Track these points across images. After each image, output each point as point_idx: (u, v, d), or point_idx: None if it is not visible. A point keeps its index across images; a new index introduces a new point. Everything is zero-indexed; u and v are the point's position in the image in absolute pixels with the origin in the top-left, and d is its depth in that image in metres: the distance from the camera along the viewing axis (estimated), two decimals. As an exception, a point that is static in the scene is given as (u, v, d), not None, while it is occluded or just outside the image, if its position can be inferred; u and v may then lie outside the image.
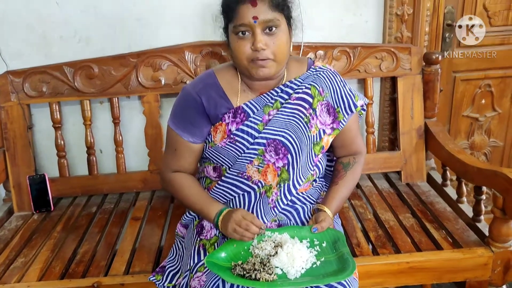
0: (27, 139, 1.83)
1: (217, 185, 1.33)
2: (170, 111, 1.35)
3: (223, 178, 1.32)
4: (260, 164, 1.27)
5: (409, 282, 1.47)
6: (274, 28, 1.18)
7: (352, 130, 1.39)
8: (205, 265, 1.19)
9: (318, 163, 1.37)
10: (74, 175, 1.93)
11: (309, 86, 1.31)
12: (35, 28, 1.81)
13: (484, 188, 1.57)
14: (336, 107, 1.34)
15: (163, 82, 1.81)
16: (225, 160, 1.31)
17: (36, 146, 1.95)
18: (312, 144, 1.30)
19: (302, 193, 1.35)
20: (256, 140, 1.27)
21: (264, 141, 1.26)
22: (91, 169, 1.89)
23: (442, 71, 1.89)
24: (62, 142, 1.88)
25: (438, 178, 1.89)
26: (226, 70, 1.33)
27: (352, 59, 1.84)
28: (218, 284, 1.12)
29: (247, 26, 1.17)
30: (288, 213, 1.33)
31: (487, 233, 1.49)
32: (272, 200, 1.28)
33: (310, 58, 1.43)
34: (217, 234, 1.30)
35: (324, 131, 1.33)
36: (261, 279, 1.09)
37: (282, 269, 1.14)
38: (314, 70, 1.34)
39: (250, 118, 1.28)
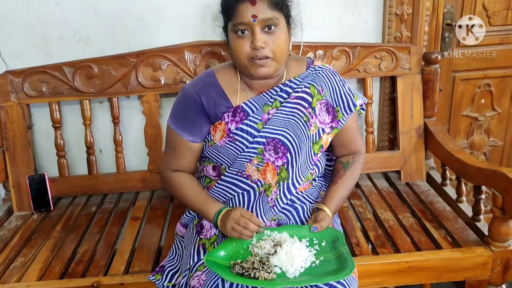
0: (27, 139, 1.83)
1: (216, 184, 1.34)
2: (169, 111, 1.35)
3: (222, 177, 1.32)
4: (259, 163, 1.27)
5: (409, 282, 1.47)
6: (273, 27, 1.19)
7: (351, 129, 1.40)
8: (204, 264, 1.19)
9: (317, 162, 1.37)
10: (73, 175, 1.93)
11: (308, 85, 1.31)
12: (34, 28, 1.82)
13: (484, 188, 1.57)
14: (335, 106, 1.35)
15: (162, 82, 1.81)
16: (225, 159, 1.31)
17: (36, 146, 1.95)
18: (311, 143, 1.31)
19: (301, 192, 1.36)
20: (256, 139, 1.27)
21: (264, 140, 1.26)
22: (91, 169, 1.89)
23: (441, 70, 1.89)
24: (62, 142, 1.88)
25: (437, 177, 1.89)
26: (226, 70, 1.33)
27: (351, 58, 1.84)
28: (218, 283, 1.12)
29: (246, 25, 1.17)
30: (288, 212, 1.33)
31: (486, 233, 1.49)
32: (271, 199, 1.28)
33: (310, 58, 1.44)
34: (216, 233, 1.30)
35: (323, 130, 1.33)
36: (260, 278, 1.09)
37: (281, 268, 1.14)
38: (314, 69, 1.34)
39: (249, 117, 1.28)
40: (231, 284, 1.11)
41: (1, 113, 1.80)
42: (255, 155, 1.27)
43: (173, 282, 1.32)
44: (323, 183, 1.45)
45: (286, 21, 1.24)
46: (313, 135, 1.31)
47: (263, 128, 1.27)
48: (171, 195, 1.87)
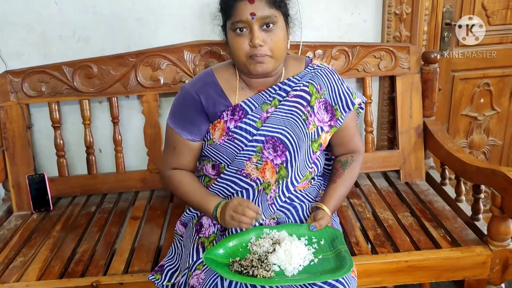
0: (26, 139, 1.83)
1: (215, 183, 1.34)
2: (169, 111, 1.36)
3: (221, 175, 1.33)
4: (258, 161, 1.28)
5: (408, 281, 1.47)
6: (271, 25, 1.20)
7: (350, 128, 1.40)
8: (204, 263, 1.20)
9: (316, 160, 1.37)
10: (73, 175, 1.93)
11: (307, 84, 1.32)
12: (34, 28, 1.82)
13: (483, 187, 1.57)
14: (333, 104, 1.35)
15: (162, 81, 1.81)
16: (224, 158, 1.32)
17: (35, 146, 1.95)
18: (310, 142, 1.31)
19: (300, 191, 1.36)
20: (255, 137, 1.27)
21: (263, 138, 1.27)
22: (90, 169, 1.90)
23: (440, 70, 1.89)
24: (61, 142, 1.88)
25: (437, 177, 1.89)
26: (225, 69, 1.34)
27: (350, 58, 1.84)
28: (217, 282, 1.13)
29: (245, 23, 1.18)
30: (287, 211, 1.33)
31: (485, 232, 1.49)
32: (270, 197, 1.28)
33: (308, 57, 1.44)
34: (215, 232, 1.31)
35: (322, 129, 1.34)
36: (258, 275, 1.10)
37: (279, 266, 1.14)
38: (312, 68, 1.35)
39: (248, 116, 1.29)
40: (230, 282, 1.12)
41: (0, 113, 1.80)
42: (254, 154, 1.28)
43: (172, 281, 1.32)
44: (322, 182, 1.46)
45: (285, 19, 1.25)
46: (311, 133, 1.31)
47: (262, 126, 1.28)
48: (170, 194, 1.88)
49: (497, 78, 2.10)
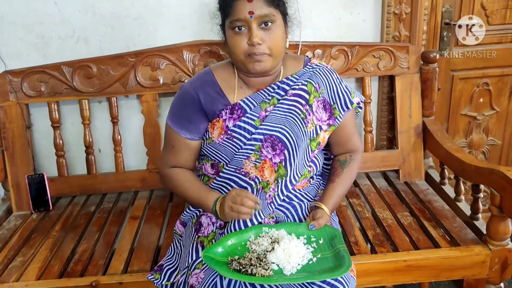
0: (26, 139, 1.83)
1: (214, 181, 1.35)
2: (168, 110, 1.36)
3: (220, 174, 1.33)
4: (257, 160, 1.28)
5: (407, 280, 1.47)
6: (269, 23, 1.20)
7: (348, 127, 1.41)
8: (203, 262, 1.20)
9: (314, 159, 1.37)
10: (72, 175, 1.94)
11: (306, 83, 1.32)
12: (33, 28, 1.82)
13: (482, 187, 1.57)
14: (332, 103, 1.35)
15: (161, 81, 1.82)
16: (223, 157, 1.32)
17: (35, 146, 1.95)
18: (308, 140, 1.32)
19: (299, 190, 1.36)
20: (253, 136, 1.28)
21: (261, 136, 1.27)
22: (90, 169, 1.90)
23: (440, 69, 1.90)
24: (61, 142, 1.88)
25: (436, 176, 1.89)
26: (224, 68, 1.35)
27: (350, 58, 1.84)
28: (216, 281, 1.13)
29: (243, 21, 1.19)
30: (286, 210, 1.33)
31: (484, 231, 1.49)
32: (269, 195, 1.29)
33: (307, 56, 1.44)
34: (214, 230, 1.31)
35: (320, 127, 1.34)
36: (257, 274, 1.10)
37: (278, 265, 1.14)
38: (311, 67, 1.36)
39: (247, 114, 1.29)
40: (229, 281, 1.12)
41: (0, 113, 1.80)
42: (252, 152, 1.28)
43: (171, 280, 1.32)
44: (321, 181, 1.46)
45: (283, 18, 1.25)
46: (310, 132, 1.32)
47: (260, 125, 1.28)
48: (170, 194, 1.89)
49: (496, 77, 2.11)
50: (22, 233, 1.68)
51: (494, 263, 1.45)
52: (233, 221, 1.27)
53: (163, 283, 1.33)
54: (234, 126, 1.29)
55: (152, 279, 1.36)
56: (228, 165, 1.32)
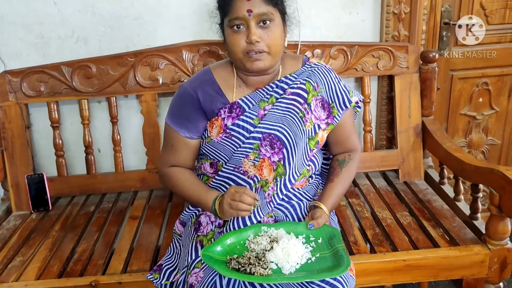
0: (25, 139, 1.83)
1: (213, 180, 1.35)
2: (167, 110, 1.37)
3: (219, 173, 1.34)
4: (256, 159, 1.28)
5: (406, 280, 1.47)
6: (268, 22, 1.21)
7: (347, 126, 1.41)
8: (202, 261, 1.20)
9: (313, 158, 1.38)
10: (72, 175, 1.94)
11: (304, 82, 1.33)
12: (33, 28, 1.82)
13: (481, 186, 1.57)
14: (330, 102, 1.36)
15: (160, 81, 1.82)
16: (221, 155, 1.32)
17: (34, 146, 1.95)
18: (307, 139, 1.32)
19: (298, 189, 1.36)
20: (252, 135, 1.28)
21: (260, 135, 1.28)
22: (89, 169, 1.90)
23: (439, 69, 1.90)
24: (60, 142, 1.88)
25: (435, 176, 1.89)
26: (222, 67, 1.35)
27: (349, 57, 1.84)
28: (215, 280, 1.13)
29: (242, 20, 1.19)
30: (285, 209, 1.33)
31: (483, 231, 1.49)
32: (268, 194, 1.29)
33: (306, 55, 1.45)
34: (213, 229, 1.31)
35: (319, 126, 1.34)
36: (256, 273, 1.10)
37: (277, 264, 1.14)
38: (309, 66, 1.36)
39: (245, 113, 1.30)
40: (229, 281, 1.12)
41: (-1, 113, 1.81)
42: (251, 151, 1.28)
43: (170, 280, 1.32)
44: (320, 181, 1.46)
45: (281, 17, 1.26)
46: (308, 130, 1.32)
47: (259, 123, 1.29)
48: (169, 194, 1.89)
49: (496, 77, 2.11)
50: (22, 233, 1.68)
51: (493, 263, 1.45)
52: (232, 220, 1.27)
53: (163, 282, 1.33)
54: (233, 124, 1.30)
55: (151, 279, 1.36)
56: (227, 163, 1.32)
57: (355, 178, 1.89)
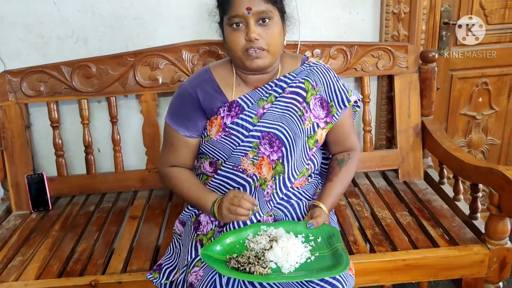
0: (25, 139, 1.84)
1: (213, 179, 1.35)
2: (167, 109, 1.37)
3: (218, 171, 1.34)
4: (255, 157, 1.29)
5: (406, 280, 1.47)
6: (267, 20, 1.22)
7: (346, 126, 1.41)
8: (202, 260, 1.20)
9: (312, 157, 1.38)
10: (72, 174, 1.94)
11: (303, 81, 1.33)
12: (33, 28, 1.82)
13: (481, 186, 1.57)
14: (329, 101, 1.36)
15: (160, 81, 1.82)
16: (221, 154, 1.33)
17: (34, 146, 1.96)
18: (306, 137, 1.33)
19: (297, 188, 1.37)
20: (251, 133, 1.29)
21: (259, 134, 1.28)
22: (89, 168, 1.90)
23: (439, 69, 1.90)
24: (60, 141, 1.88)
25: (435, 176, 1.89)
26: (222, 66, 1.36)
27: (349, 57, 1.84)
28: (215, 278, 1.13)
29: (241, 17, 1.20)
30: (284, 208, 1.34)
31: (483, 231, 1.49)
32: (267, 193, 1.29)
33: (305, 55, 1.45)
34: (213, 228, 1.31)
35: (317, 125, 1.35)
36: (255, 272, 1.10)
37: (276, 263, 1.14)
38: (308, 65, 1.37)
39: (245, 112, 1.30)
40: (228, 279, 1.12)
41: (-1, 112, 1.81)
42: (250, 149, 1.29)
43: (170, 279, 1.32)
44: (319, 180, 1.47)
45: (281, 16, 1.27)
46: (307, 129, 1.33)
47: (258, 122, 1.29)
48: (169, 194, 1.89)
49: (496, 77, 2.11)
50: (22, 232, 1.69)
51: (492, 262, 1.45)
52: (231, 219, 1.27)
53: (162, 282, 1.33)
54: (232, 123, 1.30)
55: (151, 278, 1.36)
56: (226, 162, 1.32)
57: (354, 178, 1.90)
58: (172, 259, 1.39)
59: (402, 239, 1.53)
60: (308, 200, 1.38)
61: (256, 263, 1.13)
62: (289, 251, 1.15)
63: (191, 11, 1.83)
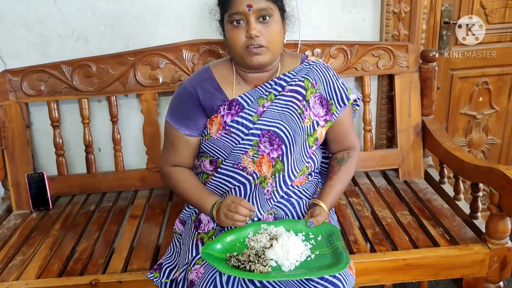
0: (26, 138, 1.84)
1: (213, 177, 1.36)
2: (167, 108, 1.37)
3: (219, 169, 1.34)
4: (255, 155, 1.29)
5: (406, 279, 1.47)
6: (267, 17, 1.23)
7: (346, 124, 1.42)
8: (203, 258, 1.20)
9: (312, 155, 1.38)
10: (72, 174, 1.94)
11: (302, 79, 1.34)
12: (33, 27, 1.82)
13: (481, 185, 1.57)
14: (329, 99, 1.37)
15: (161, 80, 1.82)
16: (221, 152, 1.33)
17: (35, 145, 1.96)
18: (306, 135, 1.33)
19: (297, 186, 1.37)
20: (251, 131, 1.29)
21: (259, 132, 1.29)
22: (90, 168, 1.90)
23: (439, 68, 1.90)
24: (61, 141, 1.88)
25: (435, 175, 1.89)
26: (222, 65, 1.37)
27: (349, 57, 1.84)
28: (216, 276, 1.13)
29: (242, 15, 1.21)
30: (284, 207, 1.34)
31: (484, 230, 1.49)
32: (267, 191, 1.29)
33: (304, 54, 1.46)
34: (214, 227, 1.32)
35: (317, 123, 1.35)
36: (255, 270, 1.10)
37: (276, 262, 1.15)
38: (308, 64, 1.37)
39: (245, 110, 1.31)
40: (229, 277, 1.13)
41: None
42: (250, 147, 1.29)
43: (170, 278, 1.32)
44: (320, 179, 1.47)
45: (281, 14, 1.28)
46: (307, 127, 1.33)
47: (258, 120, 1.30)
48: (169, 193, 1.89)
49: (496, 76, 2.10)
50: (22, 232, 1.69)
51: (493, 262, 1.45)
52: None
53: (163, 280, 1.33)
54: (232, 121, 1.31)
55: (151, 278, 1.36)
56: (226, 160, 1.33)
57: (355, 177, 1.90)
58: (173, 258, 1.39)
59: (403, 238, 1.53)
60: (308, 198, 1.38)
61: (256, 261, 1.13)
62: (289, 249, 1.15)
63: (191, 10, 1.83)
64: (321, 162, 1.49)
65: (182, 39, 1.81)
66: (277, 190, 1.30)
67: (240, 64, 1.30)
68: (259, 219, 1.29)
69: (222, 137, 1.32)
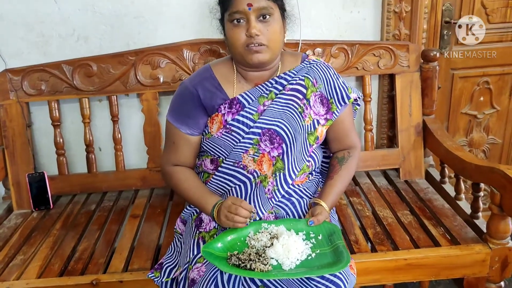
0: (26, 137, 1.84)
1: (214, 176, 1.36)
2: (168, 107, 1.38)
3: (219, 168, 1.35)
4: (255, 154, 1.29)
5: (407, 279, 1.47)
6: (268, 16, 1.23)
7: (346, 123, 1.42)
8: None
9: (313, 154, 1.38)
10: (73, 173, 1.94)
11: (303, 78, 1.34)
12: (34, 27, 1.82)
13: (482, 185, 1.57)
14: (329, 98, 1.37)
15: (161, 79, 1.82)
16: (222, 151, 1.33)
17: (35, 144, 1.96)
18: (306, 134, 1.33)
19: (298, 185, 1.37)
20: (251, 130, 1.30)
21: (259, 130, 1.29)
22: (90, 167, 1.90)
23: (440, 68, 1.89)
24: (61, 140, 1.88)
25: (436, 175, 1.89)
26: (223, 64, 1.37)
27: (350, 56, 1.84)
28: (217, 275, 1.14)
29: (242, 13, 1.21)
30: (285, 206, 1.34)
31: (485, 230, 1.49)
32: (268, 190, 1.29)
33: (305, 53, 1.46)
34: (216, 226, 1.32)
35: (318, 122, 1.35)
36: (256, 269, 1.10)
37: (277, 260, 1.15)
38: (308, 63, 1.38)
39: (245, 109, 1.31)
40: (230, 275, 1.13)
41: (0, 111, 1.80)
42: (251, 146, 1.29)
43: (171, 276, 1.32)
44: (320, 179, 1.47)
45: (281, 13, 1.28)
46: (307, 126, 1.33)
47: (258, 119, 1.30)
48: (170, 193, 1.89)
49: (497, 76, 2.10)
50: (23, 231, 1.69)
51: (494, 262, 1.45)
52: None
53: (163, 280, 1.33)
54: (233, 120, 1.31)
55: (152, 277, 1.36)
56: (227, 159, 1.33)
57: (356, 177, 1.90)
58: (173, 257, 1.39)
59: (404, 238, 1.52)
60: (309, 198, 1.38)
61: (257, 260, 1.13)
62: (290, 248, 1.15)
63: (191, 10, 1.83)
64: (322, 161, 1.49)
65: (182, 38, 1.81)
66: (278, 189, 1.30)
67: (241, 62, 1.30)
68: (260, 218, 1.29)
69: (222, 136, 1.32)
